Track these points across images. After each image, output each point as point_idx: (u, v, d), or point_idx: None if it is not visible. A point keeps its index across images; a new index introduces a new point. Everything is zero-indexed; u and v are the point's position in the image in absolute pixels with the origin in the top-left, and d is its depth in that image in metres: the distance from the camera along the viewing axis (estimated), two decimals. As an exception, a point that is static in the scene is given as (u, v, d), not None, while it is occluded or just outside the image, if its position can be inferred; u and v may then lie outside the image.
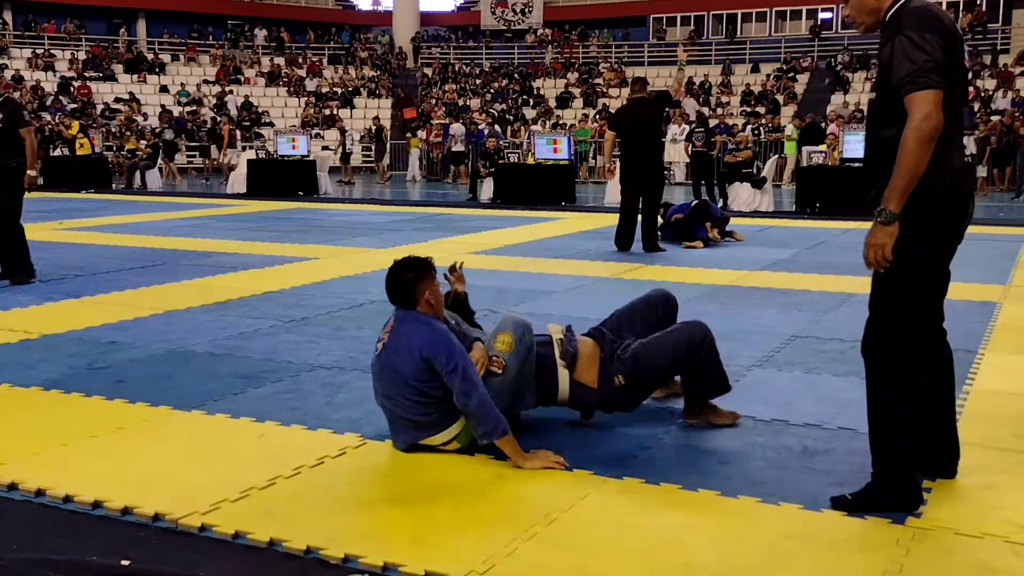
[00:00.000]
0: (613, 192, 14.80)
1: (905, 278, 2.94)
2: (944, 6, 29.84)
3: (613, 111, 13.54)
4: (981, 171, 18.55)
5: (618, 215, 9.52)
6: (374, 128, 24.33)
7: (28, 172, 7.43)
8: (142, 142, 22.08)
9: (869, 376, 3.01)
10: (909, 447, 2.95)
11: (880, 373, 2.97)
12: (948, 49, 2.81)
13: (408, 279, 3.61)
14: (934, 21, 2.84)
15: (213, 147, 25.50)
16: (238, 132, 24.30)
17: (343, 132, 24.60)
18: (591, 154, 23.43)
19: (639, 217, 9.31)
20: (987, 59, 26.58)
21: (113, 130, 24.15)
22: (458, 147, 23.89)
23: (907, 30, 2.82)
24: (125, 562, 2.61)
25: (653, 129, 9.40)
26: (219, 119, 26.47)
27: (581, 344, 3.78)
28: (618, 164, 9.86)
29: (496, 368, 3.50)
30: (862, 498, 2.97)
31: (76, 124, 21.14)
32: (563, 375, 3.71)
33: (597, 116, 26.16)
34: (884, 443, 2.97)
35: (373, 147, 24.73)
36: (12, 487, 3.15)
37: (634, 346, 3.77)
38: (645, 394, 3.85)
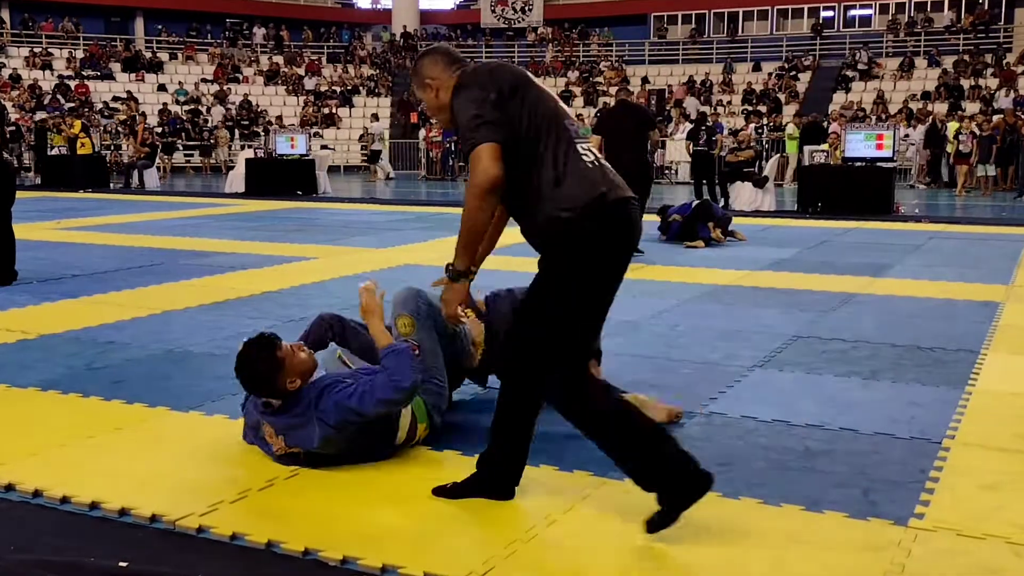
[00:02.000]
0: None
1: (543, 313, 2.84)
2: (947, 5, 29.97)
3: (599, 113, 13.49)
4: (989, 170, 18.53)
5: None
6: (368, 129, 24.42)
7: None
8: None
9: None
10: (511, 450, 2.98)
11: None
12: (505, 95, 2.78)
13: (262, 373, 3.29)
14: (482, 75, 2.84)
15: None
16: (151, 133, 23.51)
17: (367, 131, 24.55)
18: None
19: None
20: (989, 58, 26.58)
21: (110, 129, 24.10)
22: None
23: (457, 96, 2.85)
24: (123, 563, 2.59)
25: (638, 132, 9.23)
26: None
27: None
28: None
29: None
30: (460, 486, 3.02)
31: (78, 123, 21.10)
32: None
33: (597, 115, 26.15)
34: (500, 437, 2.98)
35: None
36: (9, 488, 3.13)
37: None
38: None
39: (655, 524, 2.73)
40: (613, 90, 28.95)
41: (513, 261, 8.62)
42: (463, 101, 2.82)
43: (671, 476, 2.77)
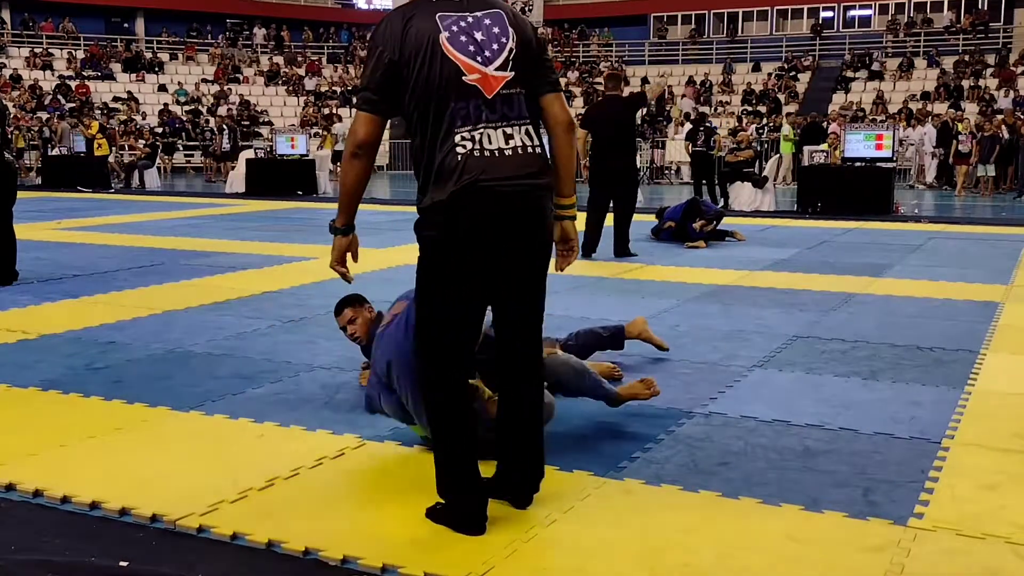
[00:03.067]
0: None
1: (419, 302, 2.85)
2: (947, 6, 29.95)
3: (586, 108, 13.28)
4: (990, 171, 18.52)
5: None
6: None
7: None
8: (140, 141, 22.06)
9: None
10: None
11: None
12: (393, 65, 2.67)
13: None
14: (378, 35, 2.72)
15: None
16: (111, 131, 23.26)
17: (330, 132, 24.50)
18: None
19: (611, 220, 8.94)
20: (991, 59, 26.58)
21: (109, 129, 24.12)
22: None
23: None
24: (123, 563, 2.59)
25: (626, 128, 9.07)
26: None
27: None
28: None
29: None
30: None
31: (96, 124, 21.12)
32: None
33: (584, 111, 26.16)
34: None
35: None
36: (10, 488, 3.14)
37: None
38: None
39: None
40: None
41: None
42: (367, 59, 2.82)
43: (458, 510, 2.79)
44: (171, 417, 3.92)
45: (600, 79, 30.23)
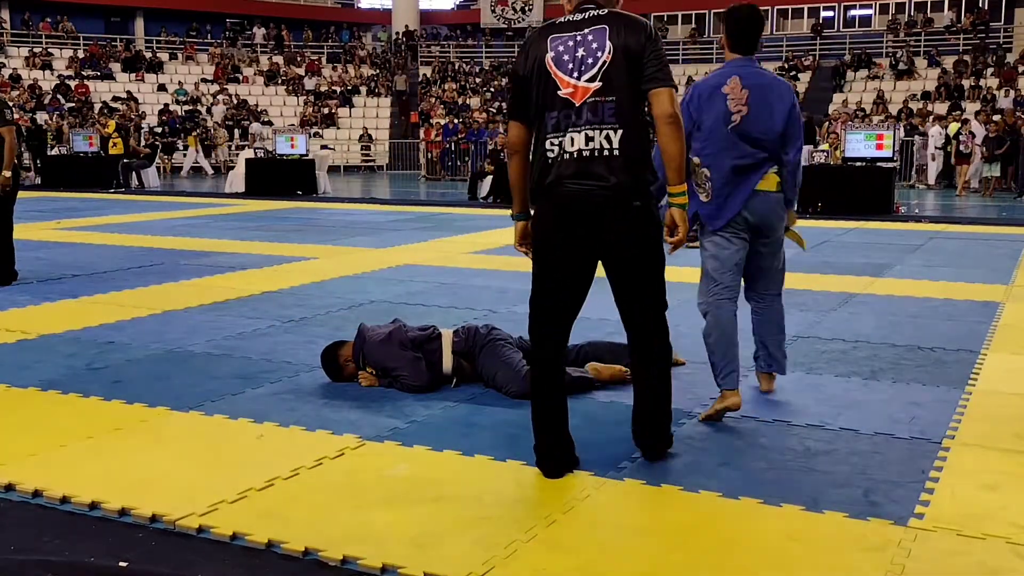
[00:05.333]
0: None
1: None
2: (947, 5, 29.96)
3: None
4: (993, 171, 18.48)
5: None
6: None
7: (3, 173, 7.13)
8: (140, 141, 22.06)
9: None
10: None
11: None
12: (523, 79, 3.26)
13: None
14: (517, 56, 3.35)
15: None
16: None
17: (248, 131, 24.39)
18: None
19: None
20: (991, 59, 26.56)
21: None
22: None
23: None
24: (123, 563, 2.59)
25: None
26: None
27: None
28: None
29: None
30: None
31: (112, 123, 21.11)
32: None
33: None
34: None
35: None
36: (9, 488, 3.13)
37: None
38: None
39: None
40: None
41: (513, 261, 8.63)
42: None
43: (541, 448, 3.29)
44: (171, 417, 3.92)
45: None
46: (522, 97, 3.26)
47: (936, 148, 20.03)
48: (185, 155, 25.81)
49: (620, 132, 3.12)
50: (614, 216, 3.15)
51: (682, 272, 8.01)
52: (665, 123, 3.13)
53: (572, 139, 3.14)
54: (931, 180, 20.40)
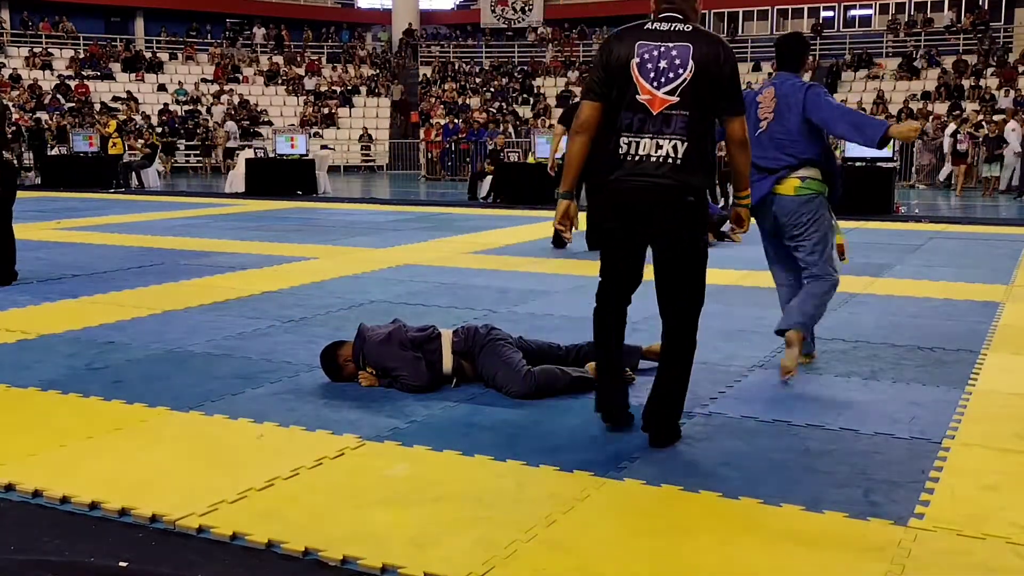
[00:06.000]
0: None
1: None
2: (947, 5, 29.95)
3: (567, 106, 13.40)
4: (993, 171, 18.46)
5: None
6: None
7: None
8: (140, 141, 22.05)
9: None
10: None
11: None
12: (607, 67, 3.55)
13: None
14: (602, 46, 3.65)
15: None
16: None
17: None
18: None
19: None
20: (993, 59, 26.55)
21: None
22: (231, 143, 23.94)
23: None
24: (123, 563, 2.59)
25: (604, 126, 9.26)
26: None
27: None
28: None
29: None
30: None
31: (113, 123, 21.07)
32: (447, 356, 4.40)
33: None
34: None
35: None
36: (9, 488, 3.13)
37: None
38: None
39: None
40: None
41: (513, 261, 8.63)
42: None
43: (600, 391, 3.80)
44: (171, 417, 3.92)
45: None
46: (604, 83, 3.54)
47: (1017, 150, 18.62)
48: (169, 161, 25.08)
49: (686, 144, 3.45)
50: (665, 212, 3.49)
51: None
52: (737, 147, 3.59)
53: (644, 143, 3.48)
54: (942, 177, 20.34)
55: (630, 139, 3.49)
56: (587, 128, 3.58)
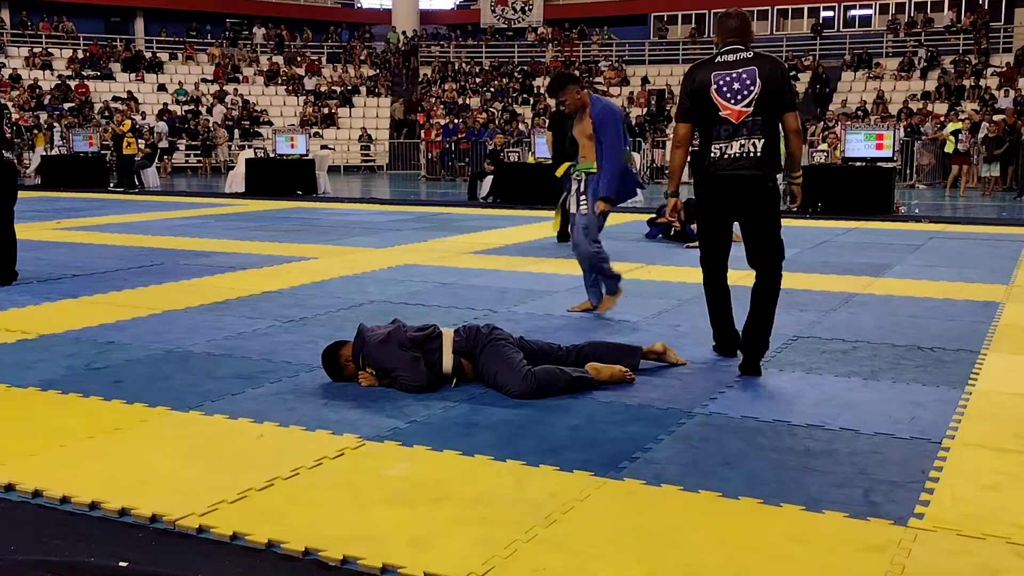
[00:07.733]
0: None
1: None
2: (947, 5, 29.96)
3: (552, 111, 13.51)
4: (993, 171, 18.45)
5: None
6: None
7: None
8: (140, 141, 22.04)
9: None
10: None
11: None
12: (692, 95, 4.60)
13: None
14: (686, 76, 4.69)
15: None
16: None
17: (150, 128, 24.10)
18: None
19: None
20: (991, 59, 26.54)
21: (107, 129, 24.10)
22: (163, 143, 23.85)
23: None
24: (123, 563, 2.59)
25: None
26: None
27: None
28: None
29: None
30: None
31: (128, 122, 21.04)
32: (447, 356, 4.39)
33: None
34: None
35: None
36: (9, 488, 3.13)
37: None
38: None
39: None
40: (614, 90, 29.05)
41: (513, 261, 8.64)
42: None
43: (722, 337, 4.99)
44: (171, 417, 3.91)
45: (599, 79, 30.28)
46: (691, 107, 4.62)
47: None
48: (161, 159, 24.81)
49: (763, 141, 4.49)
50: (751, 192, 4.54)
51: (681, 272, 8.01)
52: (794, 134, 4.60)
53: (732, 146, 4.52)
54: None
55: (721, 144, 4.53)
56: (684, 143, 4.74)
